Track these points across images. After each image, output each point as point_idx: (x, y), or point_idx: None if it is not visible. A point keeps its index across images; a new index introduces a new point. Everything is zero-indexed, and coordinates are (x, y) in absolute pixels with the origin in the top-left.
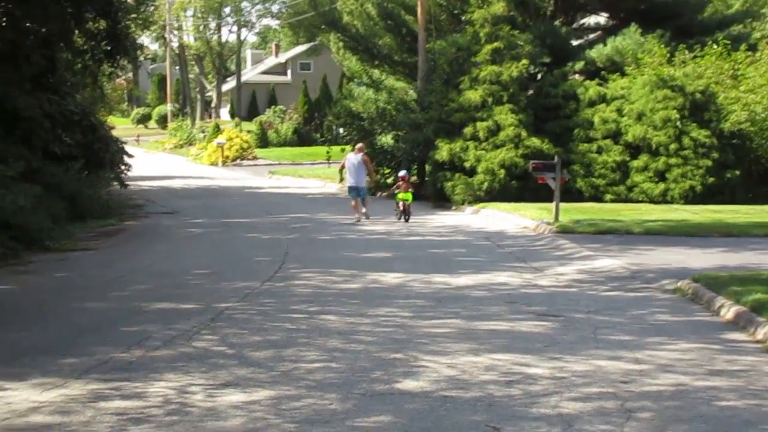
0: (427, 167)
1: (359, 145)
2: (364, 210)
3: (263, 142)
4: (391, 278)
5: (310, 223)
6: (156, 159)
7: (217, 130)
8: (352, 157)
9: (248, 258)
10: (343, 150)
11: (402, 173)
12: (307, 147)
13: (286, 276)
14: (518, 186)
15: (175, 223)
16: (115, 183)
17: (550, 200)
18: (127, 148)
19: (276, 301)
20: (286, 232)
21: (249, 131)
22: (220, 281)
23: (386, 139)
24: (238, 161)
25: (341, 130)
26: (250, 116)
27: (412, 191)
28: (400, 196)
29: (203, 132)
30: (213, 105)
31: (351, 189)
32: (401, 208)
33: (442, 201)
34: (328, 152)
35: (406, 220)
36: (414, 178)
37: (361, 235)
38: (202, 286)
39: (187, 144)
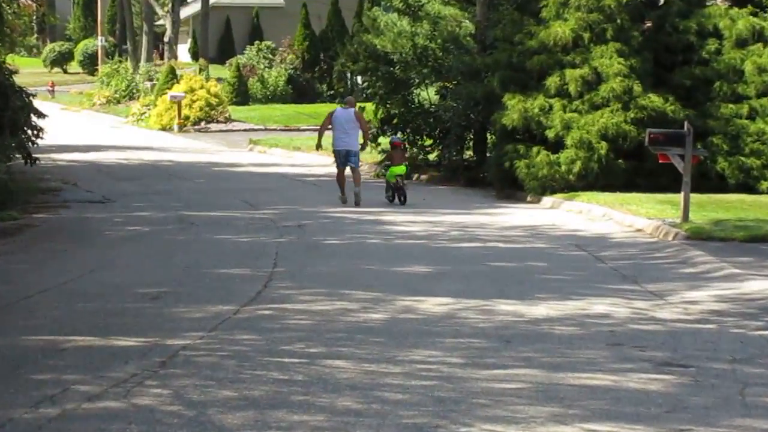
0: (490, 137)
1: (349, 98)
2: (356, 190)
3: (242, 96)
4: (434, 305)
5: (312, 219)
6: (80, 120)
7: (173, 77)
8: (341, 113)
9: (217, 272)
10: (361, 110)
11: (394, 138)
12: (308, 105)
13: (274, 299)
14: (628, 167)
15: (109, 216)
16: (18, 155)
17: (676, 189)
18: (37, 102)
19: (259, 338)
20: (275, 234)
21: (220, 79)
22: (174, 306)
23: (427, 94)
24: (203, 125)
25: (359, 79)
26: (221, 57)
27: (407, 164)
28: (394, 170)
29: (151, 80)
30: (166, 39)
31: (339, 154)
32: (395, 184)
33: (511, 188)
34: None
35: (402, 201)
36: (468, 154)
37: (389, 239)
38: (147, 314)
39: (127, 98)
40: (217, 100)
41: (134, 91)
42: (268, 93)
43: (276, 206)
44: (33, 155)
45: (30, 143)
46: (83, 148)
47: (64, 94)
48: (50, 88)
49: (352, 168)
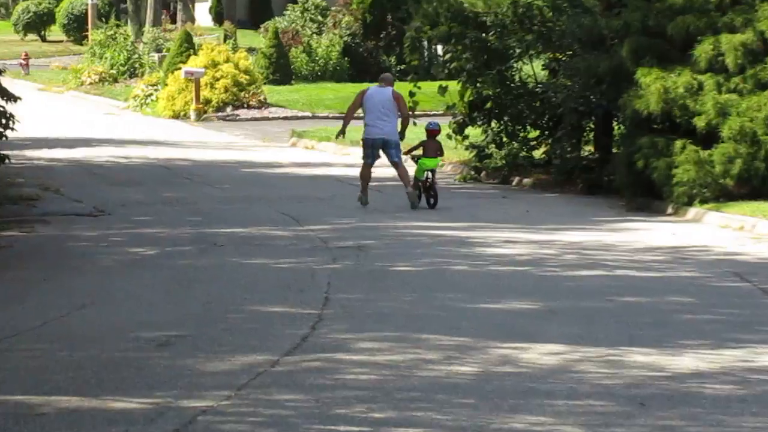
0: (617, 126)
1: (386, 75)
2: (408, 189)
3: (281, 72)
4: (542, 354)
5: (376, 237)
6: (64, 104)
7: (189, 47)
8: (375, 93)
9: (248, 309)
10: (443, 90)
11: (432, 125)
12: (372, 83)
13: (325, 346)
14: None
15: (103, 235)
16: None
17: None
18: (6, 81)
19: (305, 398)
20: (326, 257)
21: (252, 50)
22: (191, 355)
23: (532, 69)
24: (229, 111)
25: (439, 50)
26: (254, 20)
27: (441, 158)
28: (426, 162)
29: (159, 51)
30: None
31: (371, 143)
32: (425, 182)
33: (645, 196)
34: (413, 94)
35: (431, 204)
36: (587, 150)
37: (481, 265)
38: (154, 366)
39: (127, 75)
40: (248, 77)
41: (136, 65)
42: (317, 68)
43: (327, 220)
44: (1, 152)
45: None
46: (68, 143)
47: (43, 69)
48: (24, 62)
49: (394, 164)
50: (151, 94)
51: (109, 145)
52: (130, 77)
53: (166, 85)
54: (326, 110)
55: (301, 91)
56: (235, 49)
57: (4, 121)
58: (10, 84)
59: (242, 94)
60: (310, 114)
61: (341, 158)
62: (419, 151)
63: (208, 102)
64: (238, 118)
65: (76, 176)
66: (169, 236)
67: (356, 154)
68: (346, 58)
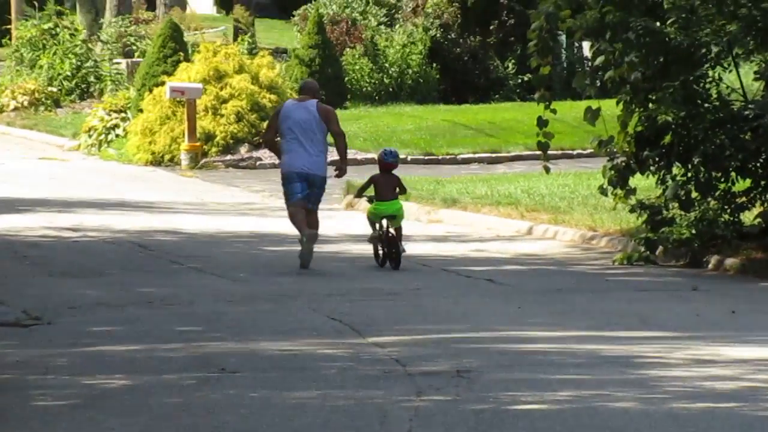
0: None
1: (307, 81)
2: (304, 250)
3: (330, 88)
4: None
5: (485, 355)
6: None
7: (178, 47)
8: (293, 110)
9: None
10: (593, 115)
11: (387, 155)
12: (476, 105)
13: None
14: None
15: (40, 356)
16: None
17: None
18: None
19: None
20: (405, 388)
21: (281, 53)
22: None
23: (738, 78)
24: (244, 153)
25: (587, 49)
26: (282, 4)
27: (400, 200)
28: (382, 207)
29: (129, 55)
30: None
31: (292, 179)
32: (383, 234)
33: None
34: (544, 122)
35: (394, 265)
36: None
37: (657, 401)
38: None
39: (75, 95)
40: (274, 97)
41: (91, 79)
42: (388, 81)
43: (405, 329)
44: None
45: None
46: None
47: None
48: None
49: (308, 210)
50: (116, 126)
51: (47, 209)
52: (82, 98)
53: (141, 111)
54: (404, 149)
55: (361, 119)
56: (252, 51)
57: None
58: None
59: (265, 124)
60: (375, 156)
61: (428, 227)
62: (371, 192)
63: (209, 138)
64: (258, 163)
65: None
66: (149, 358)
67: (457, 220)
68: (434, 65)
